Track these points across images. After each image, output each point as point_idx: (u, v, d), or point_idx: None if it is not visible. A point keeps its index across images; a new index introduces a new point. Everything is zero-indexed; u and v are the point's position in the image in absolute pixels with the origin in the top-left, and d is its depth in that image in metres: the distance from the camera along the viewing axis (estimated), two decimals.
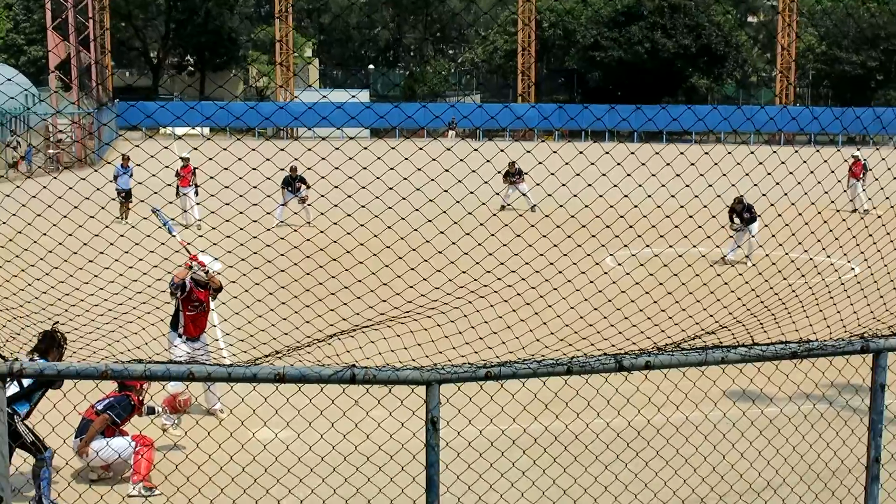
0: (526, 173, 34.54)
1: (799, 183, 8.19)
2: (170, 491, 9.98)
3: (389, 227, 7.85)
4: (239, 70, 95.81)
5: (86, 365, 6.18)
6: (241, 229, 7.17)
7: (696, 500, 10.00)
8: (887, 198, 8.35)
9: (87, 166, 42.76)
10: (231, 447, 9.75)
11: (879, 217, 8.92)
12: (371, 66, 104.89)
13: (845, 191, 30.55)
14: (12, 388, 10.28)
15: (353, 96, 9.31)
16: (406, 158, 7.53)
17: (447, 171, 7.24)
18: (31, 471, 10.26)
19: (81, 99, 55.09)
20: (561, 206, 8.48)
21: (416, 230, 7.85)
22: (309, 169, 6.97)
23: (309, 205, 29.52)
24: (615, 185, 7.84)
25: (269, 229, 7.84)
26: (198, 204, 30.05)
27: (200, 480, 9.90)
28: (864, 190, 33.51)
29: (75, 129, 52.49)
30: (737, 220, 25.72)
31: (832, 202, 8.94)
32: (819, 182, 8.28)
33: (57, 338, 10.15)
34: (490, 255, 7.85)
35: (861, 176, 33.84)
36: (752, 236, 24.98)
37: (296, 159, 6.97)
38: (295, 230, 8.09)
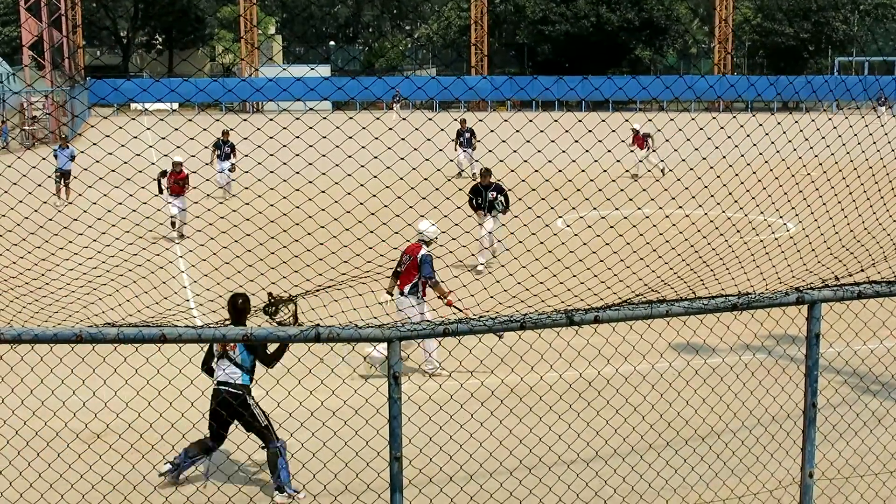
0: (479, 140, 34.02)
1: (736, 146, 8.18)
2: (144, 448, 9.90)
3: (349, 194, 7.77)
4: (206, 47, 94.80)
5: (61, 328, 6.10)
6: (209, 196, 7.07)
7: (644, 446, 10.04)
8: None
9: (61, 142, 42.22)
10: (203, 406, 9.67)
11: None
12: (331, 42, 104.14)
13: (640, 161, 32.14)
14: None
15: (313, 68, 9.18)
16: (364, 128, 7.44)
17: (404, 139, 7.18)
18: (267, 459, 9.69)
19: (55, 77, 54.39)
20: (512, 171, 8.44)
21: (374, 196, 7.78)
22: (271, 138, 6.87)
23: (232, 171, 29.26)
24: (563, 151, 7.81)
25: (234, 195, 7.73)
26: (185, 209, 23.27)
27: (174, 438, 9.84)
28: (650, 153, 33.50)
29: (49, 105, 51.80)
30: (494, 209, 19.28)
31: (766, 162, 8.94)
32: (755, 145, 8.27)
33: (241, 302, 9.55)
34: (445, 217, 7.80)
35: (645, 146, 34.02)
36: (489, 232, 17.92)
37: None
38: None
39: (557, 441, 9.38)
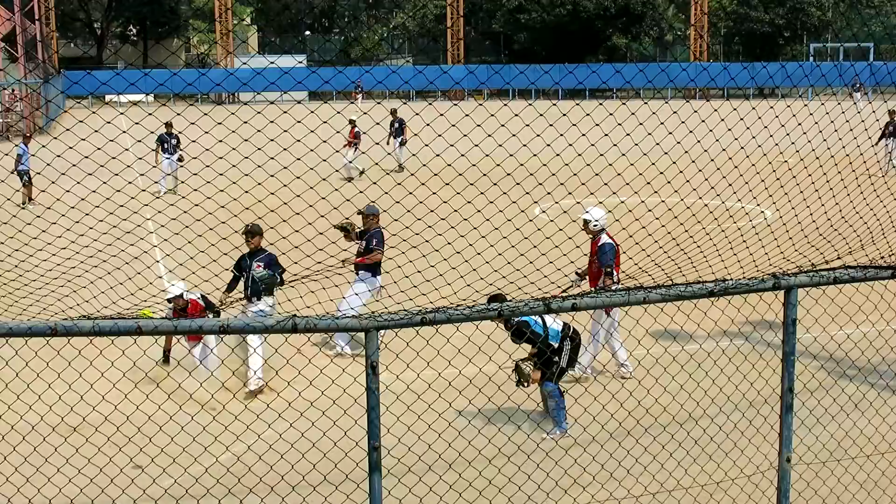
0: (406, 126, 33.16)
1: (717, 139, 8.18)
2: (121, 441, 9.84)
3: (325, 180, 7.75)
4: (180, 38, 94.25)
5: (36, 322, 6.04)
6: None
7: (622, 432, 10.06)
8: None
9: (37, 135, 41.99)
10: (178, 396, 9.63)
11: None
12: (308, 33, 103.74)
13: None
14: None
15: (300, 61, 9.12)
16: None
17: (382, 126, 7.14)
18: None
19: (28, 68, 54.00)
20: (498, 164, 8.40)
21: (348, 180, 7.75)
22: (260, 130, 6.82)
23: (181, 164, 28.25)
24: (548, 145, 7.78)
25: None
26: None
27: (151, 430, 9.79)
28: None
29: (23, 100, 51.38)
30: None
31: (741, 148, 8.95)
32: (730, 133, 8.28)
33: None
34: (421, 203, 7.77)
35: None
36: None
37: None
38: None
39: (536, 428, 9.39)
